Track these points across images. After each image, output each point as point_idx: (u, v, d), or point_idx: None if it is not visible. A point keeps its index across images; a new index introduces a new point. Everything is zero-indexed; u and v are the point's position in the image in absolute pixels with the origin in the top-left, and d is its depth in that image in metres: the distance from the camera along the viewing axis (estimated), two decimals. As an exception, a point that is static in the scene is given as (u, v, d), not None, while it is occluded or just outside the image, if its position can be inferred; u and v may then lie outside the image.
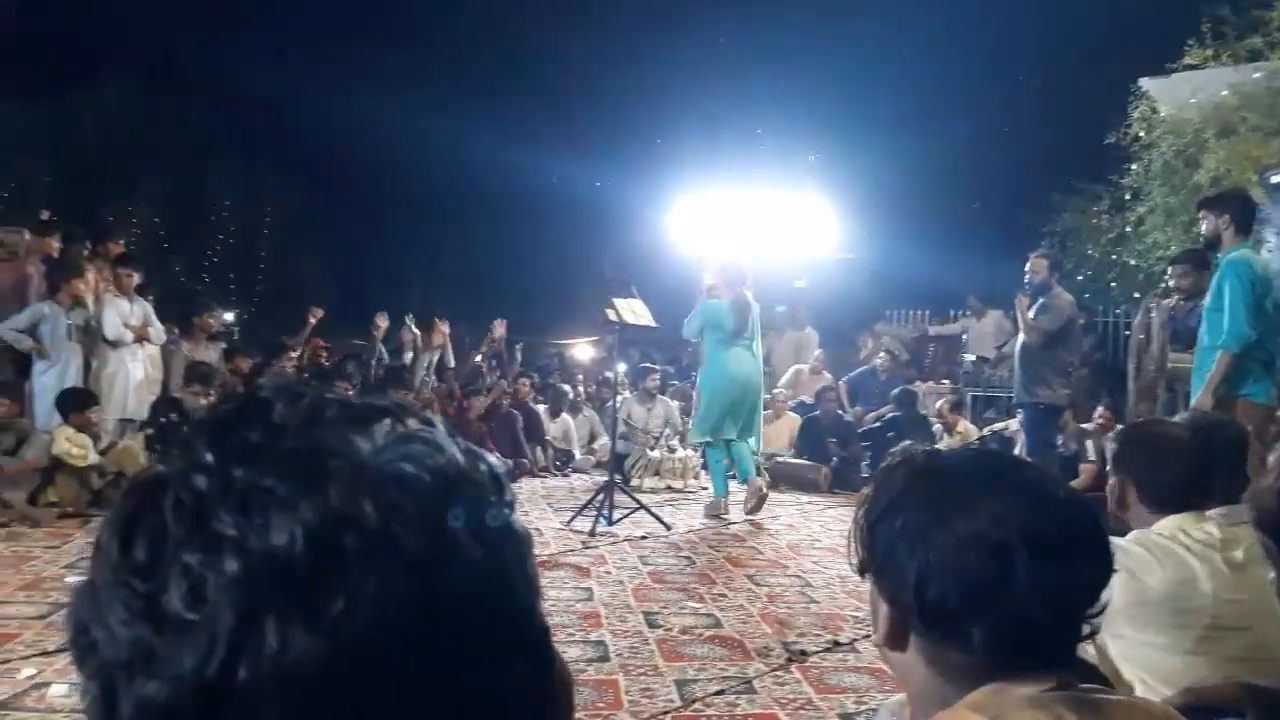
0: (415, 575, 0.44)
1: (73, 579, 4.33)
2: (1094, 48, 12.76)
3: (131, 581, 0.43)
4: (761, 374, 7.22)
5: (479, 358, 10.36)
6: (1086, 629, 0.96)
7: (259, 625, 0.41)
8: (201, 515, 0.43)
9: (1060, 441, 7.38)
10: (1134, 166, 10.66)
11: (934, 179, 14.99)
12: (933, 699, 0.96)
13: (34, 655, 3.24)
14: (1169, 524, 1.97)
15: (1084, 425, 8.30)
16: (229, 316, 14.51)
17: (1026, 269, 6.79)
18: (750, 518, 6.60)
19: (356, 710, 0.43)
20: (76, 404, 6.21)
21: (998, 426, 8.71)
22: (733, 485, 7.02)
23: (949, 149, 15.04)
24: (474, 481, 0.48)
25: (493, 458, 0.51)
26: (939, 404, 9.40)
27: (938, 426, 9.31)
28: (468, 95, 19.75)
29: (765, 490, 6.82)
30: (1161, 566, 1.89)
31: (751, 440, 6.93)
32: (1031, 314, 6.58)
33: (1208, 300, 4.98)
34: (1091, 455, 7.87)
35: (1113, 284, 11.38)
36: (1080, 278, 11.30)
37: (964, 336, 11.47)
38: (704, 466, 8.80)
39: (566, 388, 10.79)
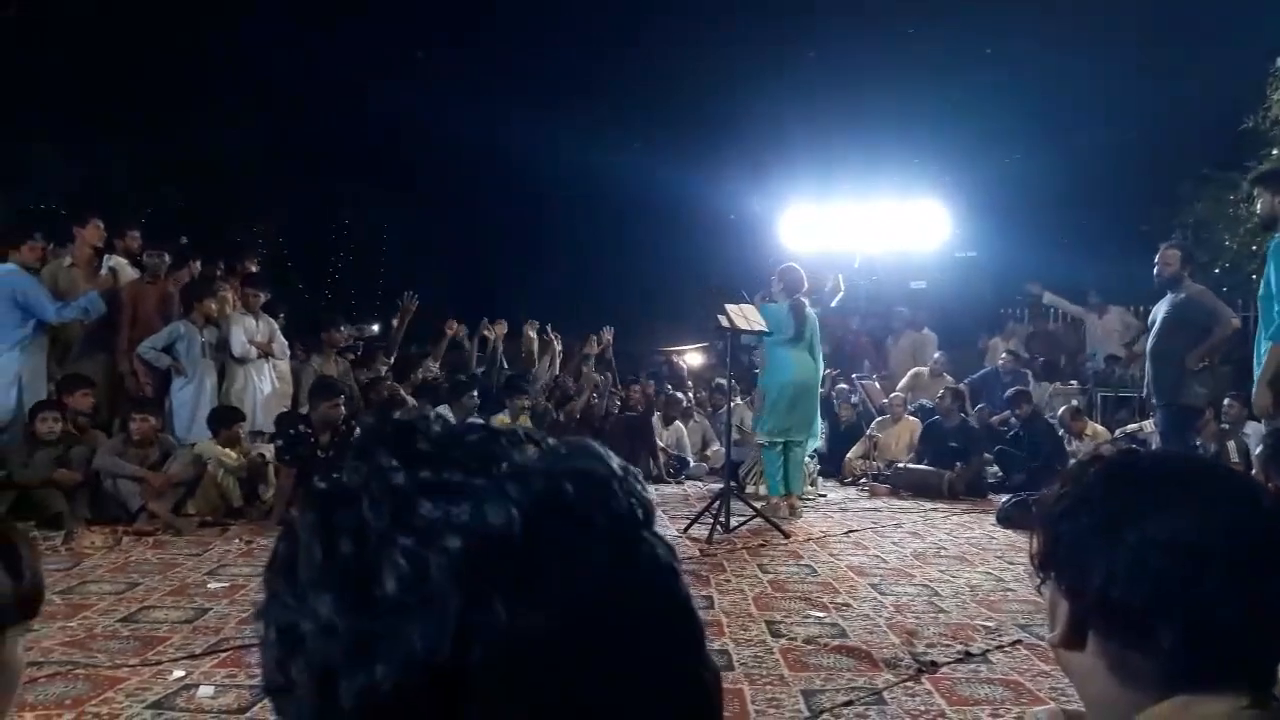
0: (615, 553, 0.46)
1: (215, 585, 4.53)
2: (1225, 27, 12.12)
3: (341, 575, 0.44)
4: (820, 376, 7.44)
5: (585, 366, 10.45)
6: None
7: (487, 600, 0.42)
8: (404, 507, 0.45)
9: (1199, 444, 7.02)
10: (1276, 151, 10.08)
11: (1057, 172, 14.45)
12: (1111, 706, 0.91)
13: (183, 658, 3.39)
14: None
15: (1224, 425, 7.89)
16: (375, 328, 15.02)
17: (1157, 261, 6.48)
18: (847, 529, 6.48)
19: (576, 689, 0.44)
20: (225, 420, 6.56)
21: (1131, 428, 8.35)
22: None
23: (1072, 141, 14.51)
24: (640, 483, 0.51)
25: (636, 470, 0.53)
26: (1060, 411, 9.05)
27: (1063, 432, 8.97)
28: (578, 108, 19.99)
29: (797, 511, 6.97)
30: None
31: (811, 441, 7.23)
32: (1164, 311, 6.27)
33: (1261, 287, 4.65)
34: (1234, 457, 7.46)
35: (1253, 276, 10.77)
36: (1217, 270, 10.75)
37: (1085, 325, 11.05)
38: (819, 472, 8.72)
39: (679, 395, 10.79)
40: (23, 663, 0.87)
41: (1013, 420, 9.90)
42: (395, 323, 9.71)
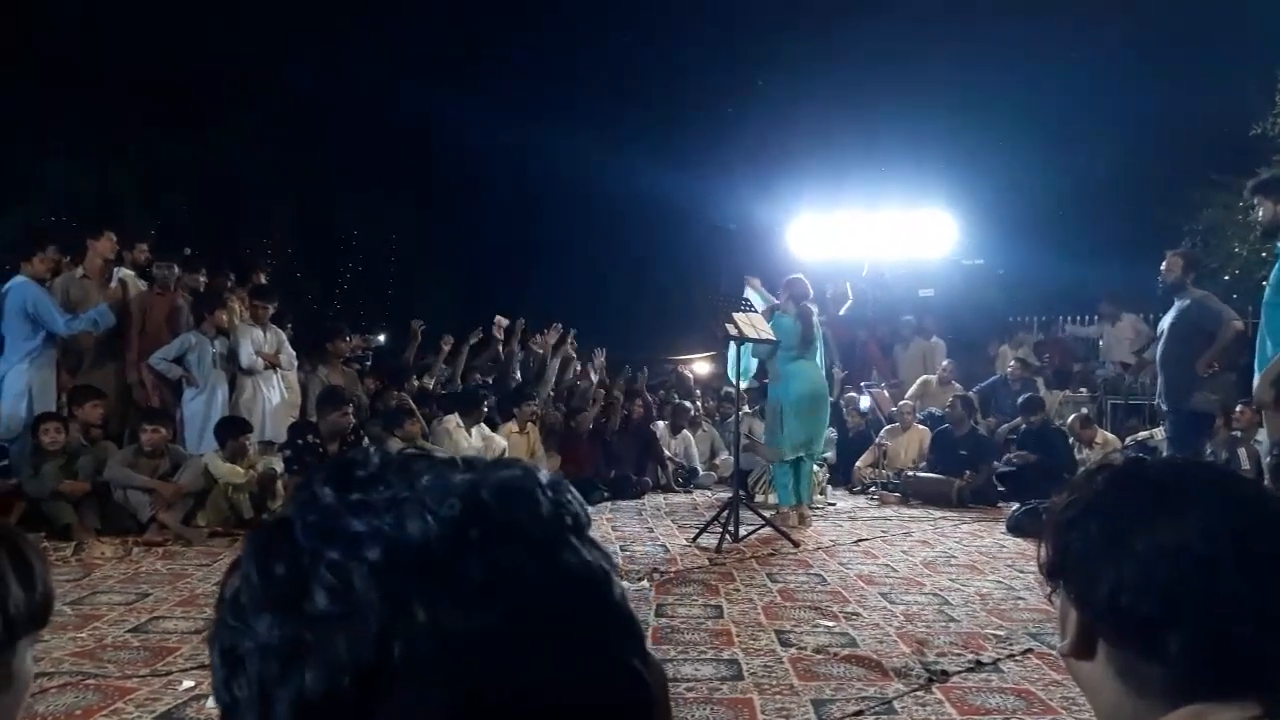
0: (537, 558, 0.48)
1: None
2: (1235, 34, 12.10)
3: (276, 594, 0.47)
4: (826, 385, 7.45)
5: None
6: None
7: (406, 604, 0.45)
8: (333, 524, 0.48)
9: (1210, 451, 6.98)
10: (1282, 158, 10.07)
11: (1066, 179, 14.44)
12: (1123, 716, 0.91)
13: (192, 668, 3.39)
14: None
15: (1235, 432, 7.84)
16: (380, 338, 15.06)
17: (1162, 269, 6.48)
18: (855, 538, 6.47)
19: (501, 682, 0.45)
20: (233, 431, 6.56)
21: (1141, 436, 8.32)
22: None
23: (1081, 148, 14.49)
24: (568, 498, 0.52)
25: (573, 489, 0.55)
26: (1070, 419, 9.02)
27: (1074, 439, 8.94)
28: (586, 117, 20.07)
29: (806, 521, 6.96)
30: None
31: (818, 448, 7.23)
32: (1170, 318, 6.26)
33: (1266, 293, 4.60)
34: (1246, 464, 7.43)
35: (1263, 283, 10.73)
36: (1227, 277, 10.71)
37: (1100, 342, 11.00)
38: (828, 481, 8.70)
39: (687, 404, 10.79)
40: (31, 673, 0.87)
41: (1023, 427, 9.87)
42: (407, 348, 9.79)
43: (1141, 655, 0.89)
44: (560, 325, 10.67)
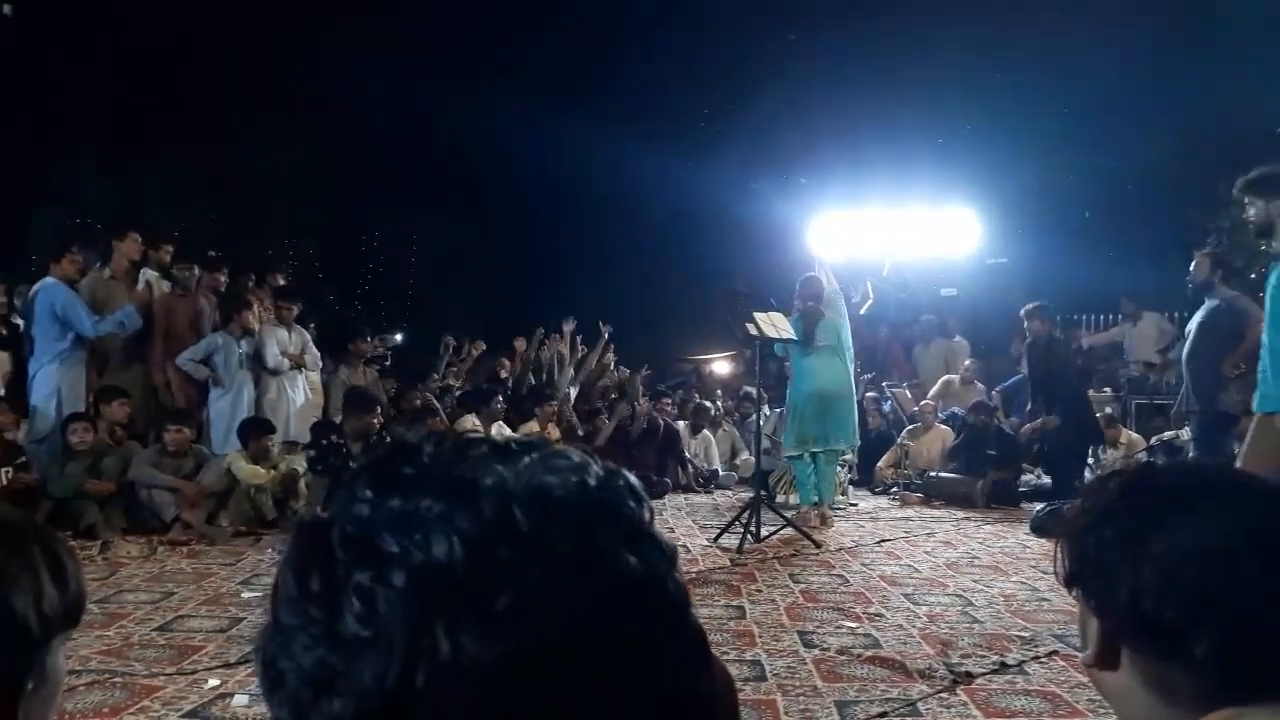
0: (571, 576, 0.46)
1: (248, 594, 4.57)
2: (1261, 31, 11.95)
3: (310, 610, 0.47)
4: (850, 380, 7.33)
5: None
6: None
7: (430, 632, 0.44)
8: (367, 540, 0.47)
9: (1236, 451, 6.89)
10: (1312, 154, 9.93)
11: (1091, 176, 14.31)
12: None
13: (217, 667, 3.41)
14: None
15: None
16: (398, 337, 15.14)
17: (1191, 268, 6.42)
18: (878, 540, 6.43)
19: (531, 706, 0.45)
20: (256, 431, 6.61)
21: (1167, 436, 8.22)
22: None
23: (1107, 145, 14.36)
24: (615, 493, 0.50)
25: (632, 475, 0.53)
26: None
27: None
28: (605, 117, 20.05)
29: (828, 521, 6.91)
30: None
31: (836, 446, 7.12)
32: (1198, 317, 6.20)
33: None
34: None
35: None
36: (1253, 276, 10.57)
37: (1124, 343, 10.90)
38: (850, 481, 8.67)
39: (708, 404, 10.77)
40: (64, 671, 0.88)
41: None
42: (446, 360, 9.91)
43: (1167, 661, 0.87)
44: (609, 329, 10.75)
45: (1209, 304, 6.21)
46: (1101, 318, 12.35)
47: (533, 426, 8.78)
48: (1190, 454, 6.92)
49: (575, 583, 0.46)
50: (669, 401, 10.42)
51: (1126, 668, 0.91)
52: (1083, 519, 0.95)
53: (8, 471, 5.85)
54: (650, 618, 0.48)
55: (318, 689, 0.46)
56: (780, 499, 7.96)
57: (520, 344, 10.39)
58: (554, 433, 8.84)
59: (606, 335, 10.76)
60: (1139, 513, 0.91)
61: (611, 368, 11.11)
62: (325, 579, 0.47)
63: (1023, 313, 8.36)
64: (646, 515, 0.52)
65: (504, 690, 0.44)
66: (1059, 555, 0.97)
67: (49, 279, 6.75)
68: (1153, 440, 8.48)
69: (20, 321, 6.92)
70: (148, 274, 7.46)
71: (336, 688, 0.45)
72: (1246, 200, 4.63)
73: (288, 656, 0.47)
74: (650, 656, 0.48)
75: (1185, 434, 7.32)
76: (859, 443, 7.74)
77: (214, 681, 3.25)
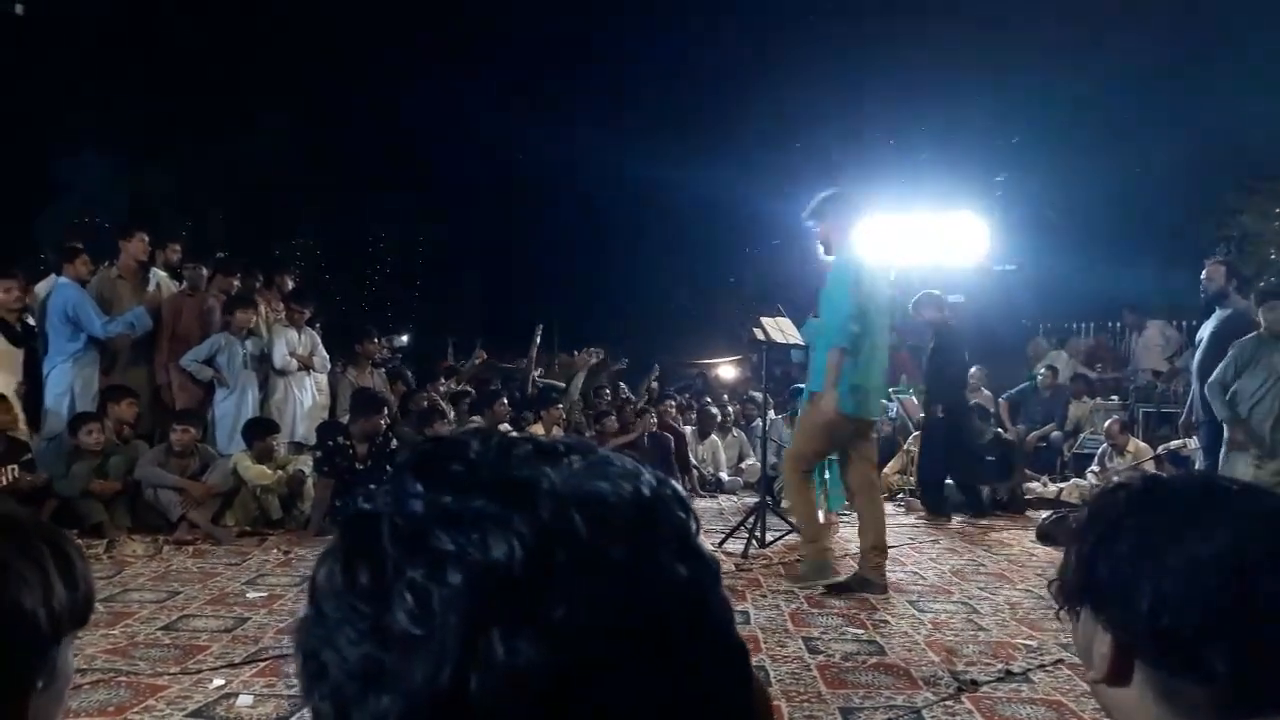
0: (625, 584, 0.45)
1: (253, 594, 4.57)
2: (1272, 37, 11.93)
3: (358, 605, 0.46)
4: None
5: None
6: None
7: (486, 634, 0.43)
8: (419, 536, 0.46)
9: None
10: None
11: (1100, 183, 14.26)
12: None
13: (222, 666, 3.42)
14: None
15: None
16: (404, 338, 15.14)
17: (1203, 277, 6.39)
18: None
19: (582, 716, 0.44)
20: (260, 431, 6.62)
21: (1174, 445, 8.18)
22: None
23: (1116, 151, 14.32)
24: (667, 503, 0.50)
25: (679, 486, 0.53)
26: (1108, 424, 8.90)
27: (1105, 447, 8.83)
28: (611, 121, 20.09)
29: (834, 527, 6.81)
30: None
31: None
32: (1210, 326, 6.18)
33: None
34: (1282, 475, 7.30)
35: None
36: (1262, 284, 10.55)
37: (1132, 351, 10.88)
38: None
39: (715, 409, 10.76)
40: (72, 670, 0.88)
41: (1055, 435, 9.76)
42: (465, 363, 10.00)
43: (1182, 674, 0.86)
44: (597, 351, 10.75)
45: (1221, 313, 6.19)
46: (1109, 325, 12.34)
47: (538, 429, 8.79)
48: (1198, 464, 6.90)
49: (629, 592, 0.45)
50: (673, 404, 10.41)
51: (1139, 683, 0.90)
52: (1092, 533, 0.94)
53: (13, 469, 5.86)
54: (697, 631, 0.48)
55: (365, 684, 0.45)
56: (785, 504, 7.92)
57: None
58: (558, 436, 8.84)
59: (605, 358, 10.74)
60: (1152, 525, 0.90)
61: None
62: (374, 573, 0.46)
63: (911, 305, 8.15)
64: (694, 526, 0.51)
65: (556, 696, 0.44)
66: (1065, 570, 0.95)
67: (62, 279, 6.78)
68: (1159, 449, 8.45)
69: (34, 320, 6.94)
70: (157, 274, 7.48)
71: (385, 684, 0.44)
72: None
73: (332, 649, 0.46)
74: (694, 670, 0.47)
75: (1193, 443, 7.29)
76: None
77: (219, 681, 3.25)
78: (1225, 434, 5.94)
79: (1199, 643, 0.85)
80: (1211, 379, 5.88)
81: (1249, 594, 0.84)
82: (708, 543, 5.72)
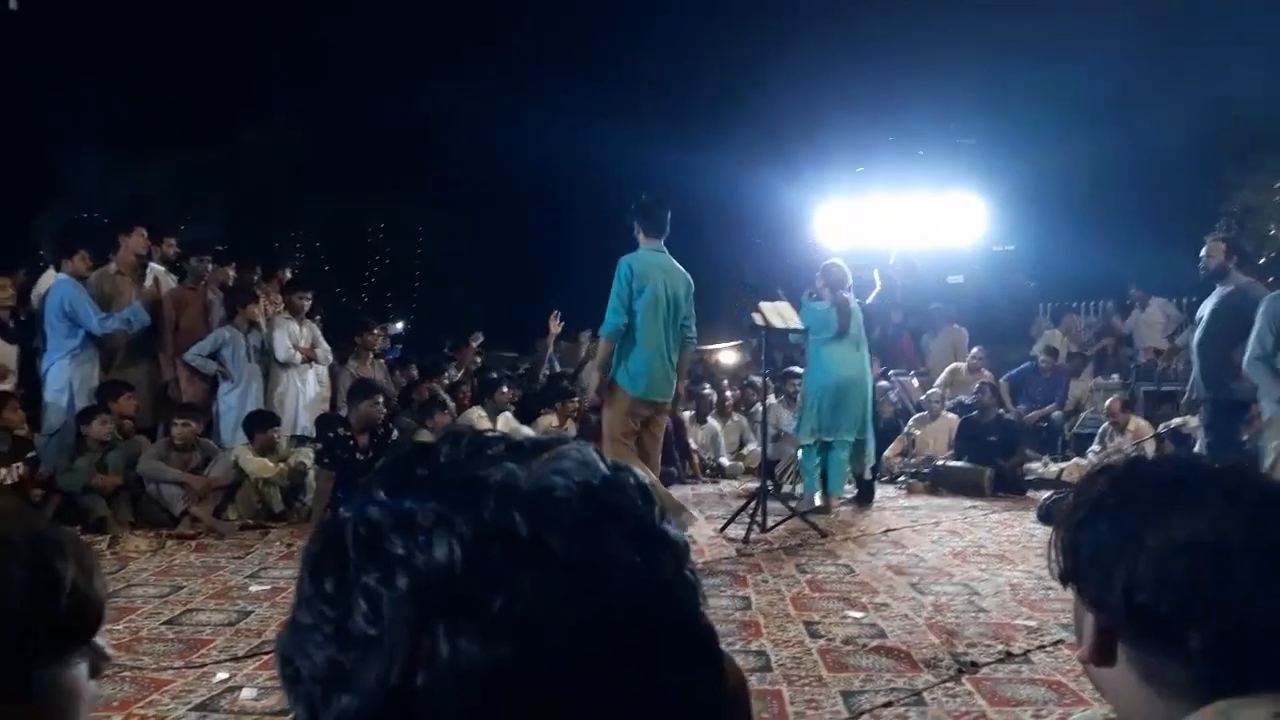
0: (570, 578, 0.46)
1: (256, 587, 4.59)
2: (1271, 13, 11.85)
3: (324, 610, 0.48)
4: (869, 374, 7.28)
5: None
6: None
7: (431, 633, 0.45)
8: (376, 541, 0.48)
9: (1245, 439, 6.86)
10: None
11: (1098, 161, 14.21)
12: (1148, 719, 0.89)
13: (226, 660, 3.44)
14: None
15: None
16: (399, 325, 15.08)
17: (1202, 254, 6.37)
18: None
19: (529, 710, 0.45)
20: (261, 424, 6.63)
21: (1175, 423, 8.18)
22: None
23: (1113, 129, 14.26)
24: (621, 492, 0.50)
25: (639, 470, 0.54)
26: (1108, 402, 8.91)
27: (1106, 426, 8.83)
28: (606, 105, 20.03)
29: (833, 511, 6.88)
30: None
31: (849, 437, 7.01)
32: (1210, 303, 6.17)
33: None
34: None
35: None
36: (1263, 260, 10.54)
37: (1130, 332, 10.88)
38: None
39: (710, 392, 10.74)
40: (81, 692, 0.88)
41: (1056, 415, 9.76)
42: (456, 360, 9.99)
43: (1163, 655, 0.88)
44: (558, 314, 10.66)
45: (1222, 290, 6.17)
46: (1100, 304, 12.32)
47: (551, 420, 8.78)
48: (1199, 441, 6.90)
49: (573, 586, 0.46)
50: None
51: (1122, 662, 0.91)
52: (1076, 514, 0.95)
53: (19, 467, 5.88)
54: (655, 619, 0.48)
55: (328, 686, 0.47)
56: (786, 488, 7.95)
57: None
58: (571, 428, 8.83)
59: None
60: (1133, 507, 0.91)
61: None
62: (338, 579, 0.48)
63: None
64: (654, 513, 0.51)
65: (504, 692, 0.45)
66: (1053, 550, 0.97)
67: (60, 275, 6.79)
68: (1160, 427, 8.45)
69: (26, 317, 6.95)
70: (154, 269, 7.48)
71: (346, 684, 0.46)
72: None
73: (303, 654, 0.49)
74: (655, 658, 0.48)
75: (1194, 421, 7.29)
76: (872, 435, 7.59)
77: (222, 675, 3.27)
78: (1267, 414, 5.73)
79: (1177, 624, 0.86)
80: (1250, 357, 5.55)
81: (1228, 576, 0.85)
82: (707, 528, 5.76)
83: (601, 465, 0.51)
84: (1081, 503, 0.96)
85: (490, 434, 0.53)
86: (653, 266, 5.50)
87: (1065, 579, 0.96)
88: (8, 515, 0.87)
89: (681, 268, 5.70)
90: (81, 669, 0.86)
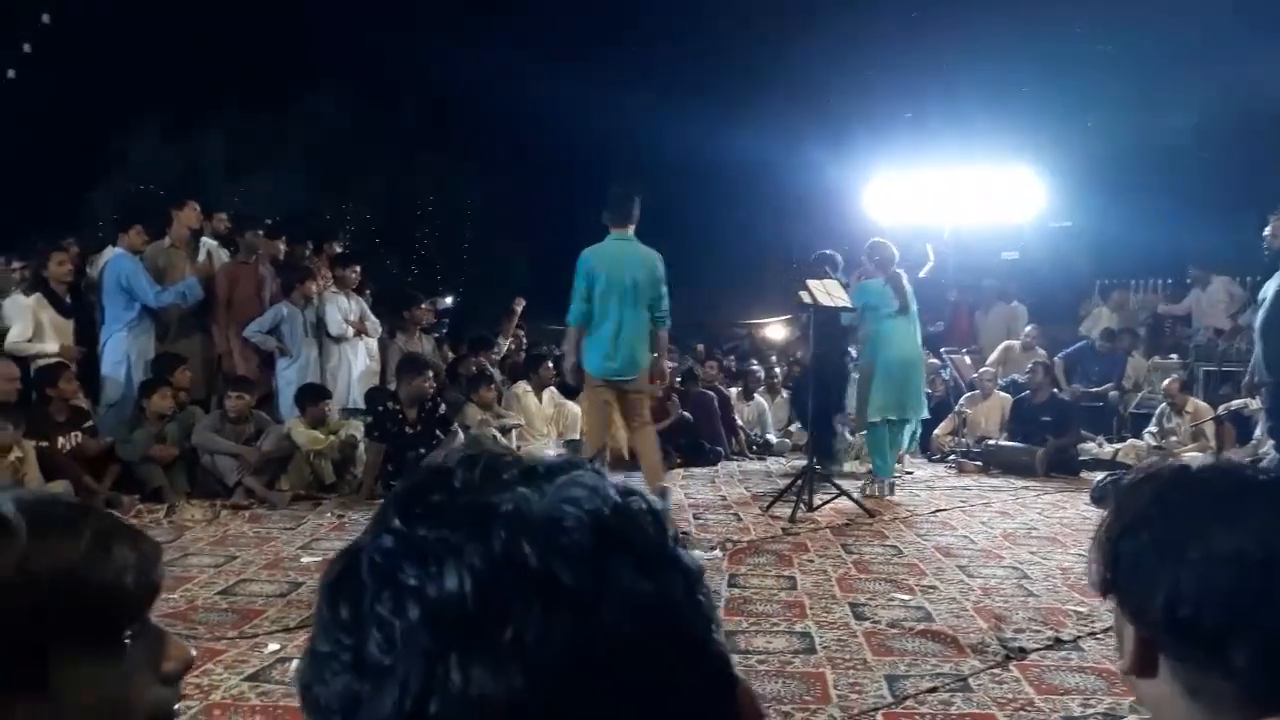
0: (580, 608, 0.47)
1: (308, 559, 4.67)
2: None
3: (341, 638, 0.49)
4: (921, 349, 7.28)
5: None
6: None
7: (444, 663, 0.46)
8: (390, 571, 0.49)
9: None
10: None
11: (1160, 135, 13.80)
12: None
13: (277, 631, 3.50)
14: None
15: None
16: (449, 299, 15.15)
17: (1266, 232, 6.18)
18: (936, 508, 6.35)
19: None
20: (312, 397, 6.73)
21: (1235, 404, 7.98)
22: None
23: (1176, 101, 13.84)
24: (632, 520, 0.51)
25: (653, 497, 0.53)
26: (1166, 383, 8.72)
27: (1164, 407, 8.65)
28: (658, 78, 19.88)
29: (882, 492, 6.80)
30: None
31: (913, 414, 7.02)
32: (1274, 284, 5.98)
33: None
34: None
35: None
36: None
37: (1190, 311, 10.61)
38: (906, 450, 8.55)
39: (758, 368, 10.68)
40: (118, 698, 0.79)
41: (1112, 394, 9.58)
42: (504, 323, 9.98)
43: (1207, 669, 0.85)
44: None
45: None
46: (1162, 282, 12.02)
47: (522, 389, 8.67)
48: (1260, 425, 6.72)
49: (583, 616, 0.47)
50: (715, 365, 10.37)
51: (1165, 675, 0.89)
52: (1117, 524, 0.93)
53: (77, 435, 6.03)
54: (666, 646, 0.49)
55: (345, 715, 0.48)
56: (849, 467, 7.82)
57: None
58: (554, 395, 8.61)
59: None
60: (1176, 517, 0.89)
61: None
62: (354, 608, 0.49)
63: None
64: (666, 538, 0.52)
65: (521, 719, 0.45)
66: (1092, 561, 0.95)
67: (117, 249, 6.93)
68: (1220, 409, 8.24)
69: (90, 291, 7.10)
70: (207, 243, 7.60)
71: (360, 713, 0.47)
72: None
73: (321, 682, 0.49)
74: (667, 685, 0.48)
75: (1255, 403, 7.10)
76: (927, 414, 7.51)
77: (274, 646, 3.33)
78: None
79: (1221, 639, 0.84)
80: None
81: (1274, 590, 0.83)
82: (755, 505, 5.72)
83: (613, 492, 0.51)
84: (1123, 512, 0.93)
85: (505, 457, 0.54)
86: (608, 256, 5.76)
87: (1105, 590, 0.94)
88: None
89: (649, 252, 5.85)
90: (130, 671, 0.77)
